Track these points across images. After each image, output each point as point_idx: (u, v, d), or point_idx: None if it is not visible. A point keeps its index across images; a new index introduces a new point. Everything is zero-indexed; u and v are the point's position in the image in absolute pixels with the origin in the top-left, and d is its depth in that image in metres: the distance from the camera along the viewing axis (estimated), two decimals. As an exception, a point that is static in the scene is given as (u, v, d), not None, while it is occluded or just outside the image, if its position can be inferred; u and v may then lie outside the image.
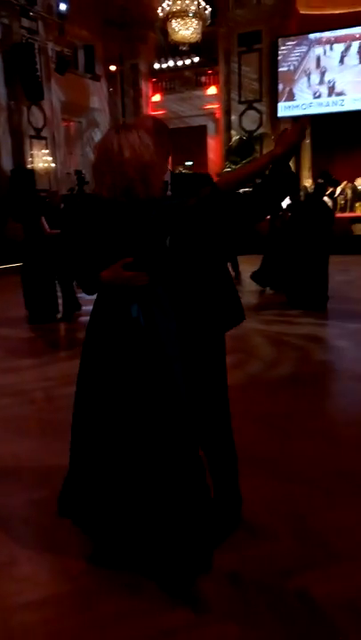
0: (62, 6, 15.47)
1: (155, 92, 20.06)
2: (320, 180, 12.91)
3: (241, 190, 1.92)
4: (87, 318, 2.12)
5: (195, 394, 2.06)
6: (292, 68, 17.23)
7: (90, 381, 2.00)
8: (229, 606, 1.97)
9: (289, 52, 17.17)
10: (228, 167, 17.52)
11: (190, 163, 19.15)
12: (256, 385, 4.41)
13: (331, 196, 7.70)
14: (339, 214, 8.52)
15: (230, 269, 9.52)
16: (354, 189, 15.27)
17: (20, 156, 15.46)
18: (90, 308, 2.09)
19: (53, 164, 16.37)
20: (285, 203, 8.61)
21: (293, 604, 1.98)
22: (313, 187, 8.64)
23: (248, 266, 9.14)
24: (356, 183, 15.45)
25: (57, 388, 4.41)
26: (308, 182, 16.48)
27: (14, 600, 2.06)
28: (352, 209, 14.76)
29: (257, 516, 2.49)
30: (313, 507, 2.58)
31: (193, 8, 16.11)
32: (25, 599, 2.06)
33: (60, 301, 7.16)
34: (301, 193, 14.45)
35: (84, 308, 7.20)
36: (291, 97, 17.35)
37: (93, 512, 2.08)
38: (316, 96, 17.11)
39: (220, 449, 2.32)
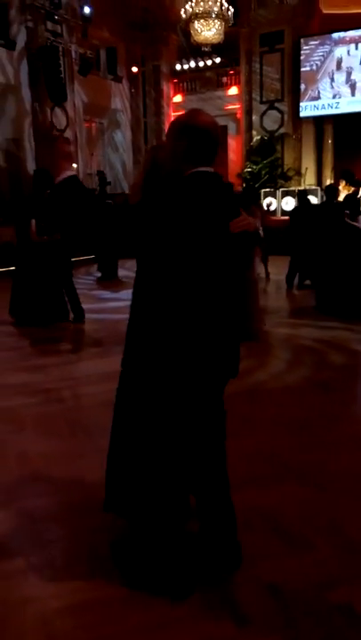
0: (86, 9, 15.56)
1: (176, 93, 20.07)
2: (330, 183, 12.80)
3: None
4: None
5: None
6: (314, 67, 17.09)
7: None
8: (271, 619, 1.96)
9: (312, 52, 17.04)
10: (249, 167, 17.46)
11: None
12: (284, 389, 4.38)
13: (353, 197, 7.59)
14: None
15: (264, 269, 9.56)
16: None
17: (42, 157, 15.58)
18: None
19: (75, 165, 16.47)
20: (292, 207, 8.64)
21: (336, 617, 1.96)
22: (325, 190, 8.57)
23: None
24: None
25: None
26: (328, 182, 16.33)
27: (54, 604, 2.07)
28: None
29: (293, 525, 2.47)
30: (349, 516, 2.55)
31: (216, 9, 16.08)
32: (64, 603, 2.08)
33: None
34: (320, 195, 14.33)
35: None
36: (313, 97, 17.22)
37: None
38: (339, 96, 16.95)
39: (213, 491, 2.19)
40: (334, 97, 17.03)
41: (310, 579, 2.14)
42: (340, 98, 16.96)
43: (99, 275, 11.22)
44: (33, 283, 6.74)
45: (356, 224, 6.68)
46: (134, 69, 19.23)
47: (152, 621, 1.96)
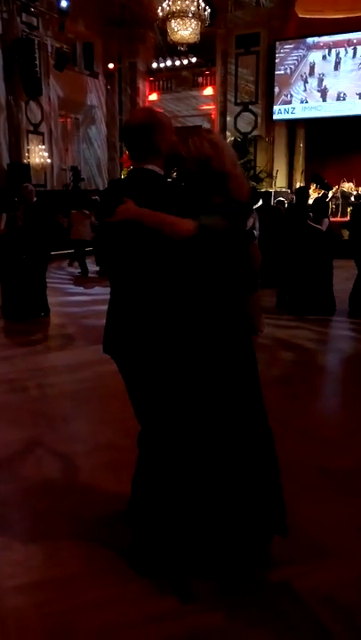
0: (63, 3, 15.46)
1: (152, 91, 20.12)
2: (301, 185, 13.04)
3: None
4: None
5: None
6: (288, 71, 17.36)
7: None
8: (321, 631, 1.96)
9: (286, 56, 17.31)
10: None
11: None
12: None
13: (322, 200, 7.77)
14: (332, 219, 8.68)
15: None
16: (343, 194, 15.42)
17: (17, 151, 15.48)
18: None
19: (50, 160, 16.40)
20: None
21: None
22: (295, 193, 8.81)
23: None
24: (344, 187, 15.61)
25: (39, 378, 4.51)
26: (299, 185, 16.63)
27: (8, 583, 2.17)
28: (343, 214, 14.91)
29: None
30: (299, 505, 2.69)
31: (193, 9, 16.18)
32: (18, 582, 2.17)
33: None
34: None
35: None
36: (286, 100, 17.49)
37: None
38: (311, 100, 17.26)
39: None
40: (307, 101, 17.33)
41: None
42: (312, 102, 17.27)
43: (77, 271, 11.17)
44: (15, 276, 6.83)
45: (318, 226, 6.88)
46: (111, 66, 19.20)
47: (100, 599, 2.07)
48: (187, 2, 16.05)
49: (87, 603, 2.06)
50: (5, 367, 4.95)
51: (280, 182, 17.43)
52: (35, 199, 6.97)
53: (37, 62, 15.22)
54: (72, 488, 2.83)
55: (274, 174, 17.33)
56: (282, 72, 17.36)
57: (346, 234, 12.01)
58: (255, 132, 17.70)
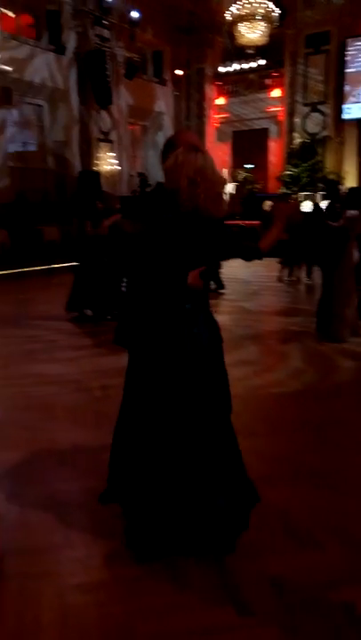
0: (134, 14, 15.82)
1: (219, 95, 20.16)
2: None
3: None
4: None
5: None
6: (360, 69, 16.87)
7: (144, 367, 2.32)
8: (272, 610, 2.04)
9: (357, 53, 16.81)
10: (289, 170, 17.37)
11: (251, 166, 19.13)
12: (308, 393, 4.44)
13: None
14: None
15: None
16: None
17: (88, 158, 15.98)
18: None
19: (119, 167, 16.79)
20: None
21: (337, 615, 2.02)
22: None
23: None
24: None
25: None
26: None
27: (69, 581, 2.23)
28: None
29: (303, 525, 2.55)
30: (360, 518, 2.61)
31: (261, 11, 16.08)
32: (79, 580, 2.23)
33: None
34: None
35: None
36: (357, 99, 16.99)
37: (139, 493, 2.31)
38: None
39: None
40: (380, 99, 16.76)
41: (315, 576, 2.21)
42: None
43: None
44: (92, 278, 7.04)
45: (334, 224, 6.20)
46: (179, 72, 19.43)
47: (158, 604, 2.09)
48: (255, 4, 15.98)
49: (145, 607, 2.08)
50: (72, 368, 5.11)
51: (350, 184, 16.95)
52: (118, 206, 7.23)
53: (108, 72, 15.66)
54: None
55: (343, 176, 16.88)
56: (353, 70, 16.88)
57: None
58: (324, 133, 17.31)
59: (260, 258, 2.26)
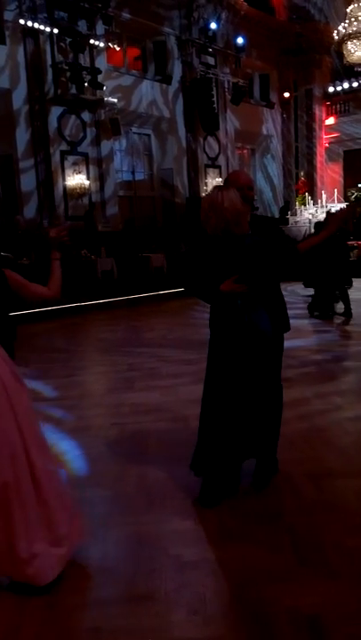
0: (240, 40, 15.96)
1: (328, 116, 19.63)
2: None
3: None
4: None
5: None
6: None
7: (217, 360, 2.92)
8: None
9: None
10: None
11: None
12: None
13: None
14: None
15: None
16: None
17: (196, 185, 16.20)
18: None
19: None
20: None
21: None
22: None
23: None
24: None
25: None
26: None
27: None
28: None
29: None
30: None
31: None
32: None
33: None
34: None
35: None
36: None
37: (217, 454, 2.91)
38: None
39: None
40: None
41: None
42: None
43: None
44: None
45: None
46: (286, 95, 19.23)
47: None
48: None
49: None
50: (170, 396, 4.99)
51: None
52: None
53: (214, 99, 15.85)
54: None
55: None
56: None
57: None
58: None
59: (296, 260, 2.81)
